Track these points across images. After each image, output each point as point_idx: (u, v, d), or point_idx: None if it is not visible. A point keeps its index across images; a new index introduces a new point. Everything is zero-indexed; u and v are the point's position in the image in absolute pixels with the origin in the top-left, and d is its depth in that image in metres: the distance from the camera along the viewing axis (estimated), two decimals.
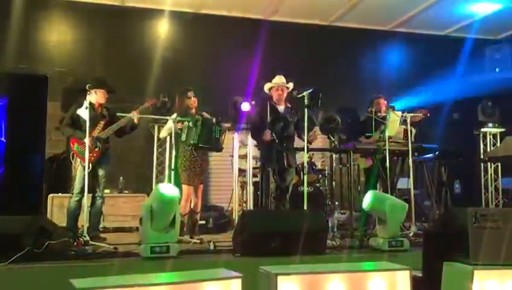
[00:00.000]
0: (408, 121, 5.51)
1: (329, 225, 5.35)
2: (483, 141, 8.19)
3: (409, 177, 5.55)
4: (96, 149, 5.08)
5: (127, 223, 6.49)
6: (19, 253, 3.53)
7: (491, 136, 8.17)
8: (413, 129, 5.64)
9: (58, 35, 7.43)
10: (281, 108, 5.73)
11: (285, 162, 5.58)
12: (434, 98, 7.71)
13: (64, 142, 5.92)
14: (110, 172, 5.54)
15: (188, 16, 7.95)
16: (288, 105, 5.80)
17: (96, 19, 7.58)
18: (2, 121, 5.81)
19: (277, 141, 5.42)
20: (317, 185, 6.87)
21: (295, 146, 5.79)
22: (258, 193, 6.05)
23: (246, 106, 6.61)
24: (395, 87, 8.26)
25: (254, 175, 6.70)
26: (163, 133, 5.67)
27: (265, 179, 5.54)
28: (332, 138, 6.34)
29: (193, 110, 5.47)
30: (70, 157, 5.14)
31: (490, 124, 8.00)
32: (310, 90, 5.13)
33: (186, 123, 5.19)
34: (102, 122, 5.20)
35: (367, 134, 5.85)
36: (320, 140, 7.80)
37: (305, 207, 5.08)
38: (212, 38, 7.99)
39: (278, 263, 3.20)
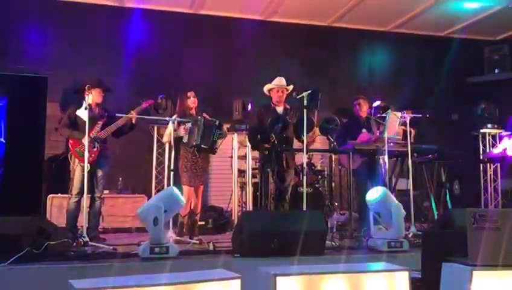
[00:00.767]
0: (408, 121, 5.53)
1: (329, 225, 5.34)
2: (482, 142, 8.21)
3: (408, 178, 5.55)
4: (94, 149, 5.08)
5: (127, 223, 6.48)
6: (18, 254, 3.53)
7: (490, 137, 8.18)
8: (412, 130, 5.65)
9: (56, 36, 7.42)
10: (280, 109, 5.75)
11: (284, 163, 5.60)
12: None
13: (64, 142, 5.92)
14: (109, 173, 5.54)
15: (187, 16, 7.95)
16: (287, 106, 5.81)
17: (95, 19, 7.57)
18: (2, 121, 5.82)
19: (276, 142, 5.43)
20: (317, 185, 6.88)
21: (294, 147, 5.80)
22: (258, 193, 6.06)
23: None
24: (391, 88, 8.27)
25: (253, 176, 6.71)
26: (165, 138, 5.66)
27: (264, 180, 5.54)
28: (331, 138, 6.34)
29: (193, 111, 5.48)
30: (69, 158, 5.14)
31: (489, 125, 8.02)
32: (309, 91, 5.14)
33: (187, 125, 5.21)
34: (100, 123, 5.20)
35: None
36: (320, 141, 7.81)
37: (305, 208, 5.08)
38: (212, 39, 7.99)
39: (277, 263, 3.21)
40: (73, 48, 7.38)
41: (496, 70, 8.73)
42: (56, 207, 6.23)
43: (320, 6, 7.94)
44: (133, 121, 5.30)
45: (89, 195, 5.03)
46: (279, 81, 5.77)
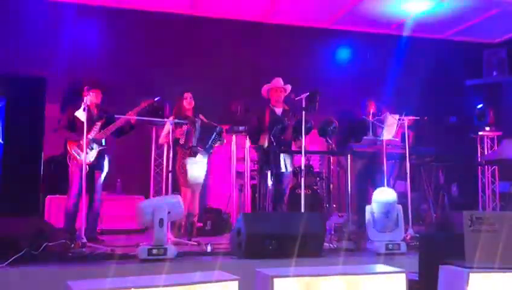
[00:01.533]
0: (405, 124, 5.54)
1: (327, 227, 5.35)
2: (480, 145, 8.22)
3: (406, 180, 5.56)
4: (93, 151, 5.09)
5: (125, 225, 6.48)
6: (17, 255, 3.53)
7: (489, 140, 8.20)
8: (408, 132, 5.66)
9: (56, 37, 7.43)
10: (279, 110, 5.76)
11: (282, 164, 5.61)
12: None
13: (63, 143, 5.92)
14: (108, 174, 5.54)
15: (185, 17, 7.96)
16: (286, 107, 5.82)
17: (94, 20, 7.58)
18: (0, 122, 5.82)
19: (274, 143, 5.44)
20: (315, 187, 6.88)
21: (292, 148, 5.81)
22: (256, 195, 6.06)
23: None
24: (389, 91, 8.28)
25: (252, 178, 6.71)
26: (162, 140, 5.66)
27: (262, 182, 5.55)
28: (329, 140, 6.35)
29: (189, 112, 5.49)
30: (67, 159, 5.14)
31: (487, 128, 8.03)
32: (307, 93, 5.16)
33: (184, 127, 5.22)
34: (98, 124, 5.20)
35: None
36: (318, 143, 7.82)
37: (303, 210, 5.09)
38: (209, 40, 8.00)
39: (275, 265, 3.21)
40: (73, 48, 7.39)
41: (494, 73, 8.74)
42: (54, 208, 6.24)
43: (318, 8, 7.97)
44: (132, 122, 5.30)
45: (88, 196, 5.03)
46: (277, 82, 5.79)
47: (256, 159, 6.09)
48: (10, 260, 3.48)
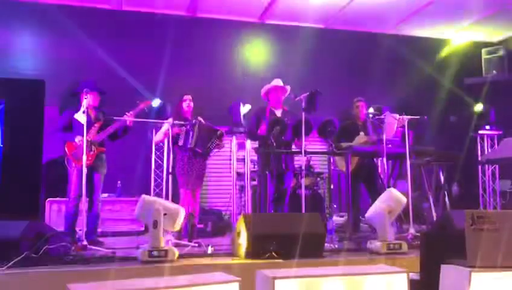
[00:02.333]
0: (406, 123, 5.54)
1: (328, 227, 5.35)
2: (480, 144, 8.22)
3: (406, 180, 5.56)
4: (91, 153, 5.08)
5: (125, 227, 6.48)
6: (17, 258, 3.52)
7: (489, 139, 8.19)
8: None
9: (54, 39, 7.43)
10: (279, 112, 5.76)
11: (283, 165, 5.60)
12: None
13: (62, 146, 5.93)
14: (108, 176, 5.54)
15: (184, 18, 7.97)
16: (286, 108, 5.82)
17: (92, 22, 7.58)
18: (0, 125, 5.81)
19: (275, 144, 5.43)
20: (315, 188, 6.88)
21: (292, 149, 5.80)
22: (257, 196, 6.06)
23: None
24: (389, 90, 8.28)
25: (252, 179, 6.70)
26: (159, 136, 5.67)
27: (263, 183, 5.54)
28: (330, 141, 6.35)
29: (188, 114, 5.50)
30: (66, 162, 5.14)
31: (487, 127, 8.03)
32: (307, 94, 5.16)
33: (183, 129, 5.23)
34: (96, 126, 5.20)
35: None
36: (319, 143, 7.82)
37: (304, 210, 5.08)
38: (207, 41, 8.00)
39: (276, 266, 3.20)
40: (72, 51, 7.39)
41: (494, 72, 8.74)
42: (55, 211, 6.24)
43: (317, 8, 7.97)
44: (128, 123, 5.29)
45: (87, 198, 5.02)
46: (276, 82, 5.79)
47: (257, 160, 6.09)
48: (10, 263, 3.47)
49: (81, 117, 4.75)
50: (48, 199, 6.33)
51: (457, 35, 9.02)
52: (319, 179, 7.17)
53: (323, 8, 7.95)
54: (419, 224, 6.15)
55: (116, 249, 4.53)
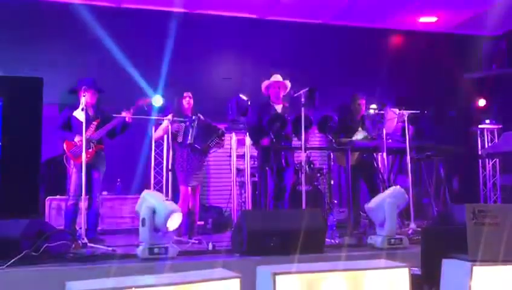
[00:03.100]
0: (406, 118, 5.53)
1: (328, 223, 5.34)
2: (480, 138, 8.21)
3: (407, 175, 5.55)
4: (90, 150, 5.08)
5: (125, 225, 6.47)
6: (17, 256, 3.51)
7: (489, 133, 8.18)
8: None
9: (51, 37, 7.41)
10: (279, 107, 5.75)
11: (283, 161, 5.59)
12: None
13: (61, 144, 5.92)
14: (108, 174, 5.53)
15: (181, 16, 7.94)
16: (286, 104, 5.81)
17: (92, 19, 7.55)
18: None
19: (275, 140, 5.42)
20: (315, 183, 6.87)
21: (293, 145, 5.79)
22: (257, 192, 6.05)
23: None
24: (389, 85, 8.27)
25: (252, 175, 6.69)
26: (159, 133, 5.67)
27: (263, 179, 5.54)
28: (329, 136, 6.34)
29: (188, 111, 5.50)
30: (64, 160, 5.14)
31: (487, 121, 8.02)
32: (306, 89, 5.14)
33: (182, 125, 5.22)
34: (94, 124, 5.20)
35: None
36: (318, 138, 7.81)
37: (304, 206, 5.08)
38: (207, 37, 7.98)
39: (277, 262, 3.20)
40: (70, 49, 7.37)
41: (494, 66, 8.72)
42: (54, 209, 6.23)
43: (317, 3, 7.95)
44: (127, 119, 5.28)
45: (87, 196, 5.02)
46: (276, 78, 5.78)
47: (257, 156, 6.08)
48: (10, 261, 3.46)
49: (79, 115, 4.74)
50: (48, 197, 6.32)
51: (457, 29, 8.99)
52: (319, 174, 7.16)
53: (321, 3, 7.93)
54: (420, 219, 6.14)
55: (116, 246, 4.52)
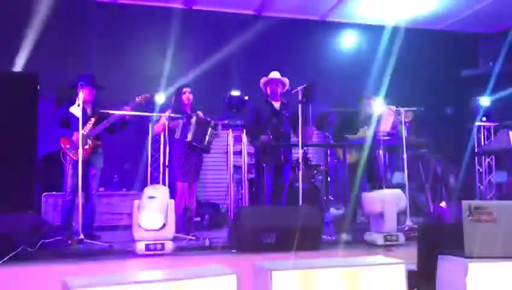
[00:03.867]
0: (402, 115, 5.53)
1: (325, 220, 5.36)
2: (477, 135, 8.22)
3: (403, 172, 5.56)
4: (86, 147, 5.06)
5: (122, 221, 6.46)
6: (13, 252, 3.51)
7: (485, 130, 8.20)
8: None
9: (51, 32, 7.37)
10: (277, 104, 5.74)
11: (282, 158, 5.59)
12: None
13: (58, 140, 5.89)
14: (105, 170, 5.52)
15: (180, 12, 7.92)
16: (284, 101, 5.80)
17: (89, 16, 7.53)
18: None
19: (272, 137, 5.42)
20: (312, 180, 6.87)
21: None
22: (254, 189, 6.05)
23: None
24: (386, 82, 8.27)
25: (249, 172, 6.69)
26: (157, 129, 5.65)
27: (260, 176, 5.53)
28: (327, 133, 6.34)
29: (187, 107, 5.47)
30: (61, 156, 5.13)
31: (484, 118, 8.03)
32: (303, 86, 5.14)
33: (180, 121, 5.21)
34: (92, 120, 5.19)
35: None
36: (315, 135, 7.79)
37: (301, 203, 5.08)
38: (205, 34, 7.96)
39: (274, 258, 3.20)
40: (67, 44, 7.34)
41: (490, 63, 8.73)
42: (51, 205, 6.21)
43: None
44: (127, 117, 5.27)
45: (84, 192, 5.01)
46: (274, 74, 5.78)
47: (254, 153, 6.07)
48: (6, 257, 3.46)
49: (76, 110, 4.73)
50: (44, 193, 6.30)
51: (454, 26, 8.99)
52: (316, 171, 7.16)
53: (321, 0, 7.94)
54: (416, 216, 6.16)
55: (113, 242, 4.52)
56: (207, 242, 4.46)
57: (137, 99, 5.30)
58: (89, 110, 5.22)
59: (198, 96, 5.77)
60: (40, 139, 5.81)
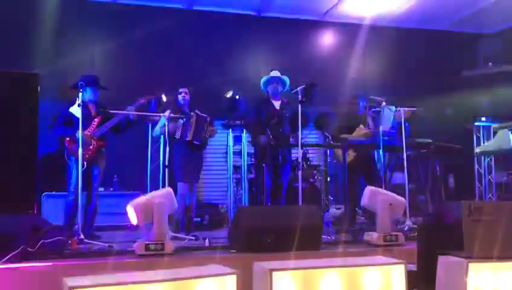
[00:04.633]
0: (402, 115, 5.53)
1: (325, 220, 5.36)
2: (476, 135, 8.23)
3: (403, 172, 5.56)
4: (91, 147, 5.07)
5: (122, 221, 6.44)
6: (13, 252, 3.51)
7: (485, 131, 8.21)
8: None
9: (50, 33, 7.38)
10: (277, 104, 5.75)
11: (280, 158, 5.60)
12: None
13: (58, 140, 5.88)
14: (105, 170, 5.52)
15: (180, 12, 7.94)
16: (284, 100, 5.81)
17: (89, 16, 7.54)
18: None
19: (271, 136, 5.43)
20: (312, 180, 6.88)
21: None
22: (253, 189, 6.05)
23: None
24: (386, 82, 8.27)
25: (249, 171, 6.69)
26: (159, 131, 5.66)
27: (260, 176, 5.54)
28: (326, 133, 6.35)
29: (185, 107, 5.50)
30: (65, 156, 5.13)
31: (483, 119, 8.04)
32: (303, 86, 5.14)
33: (180, 121, 5.23)
34: (96, 120, 5.20)
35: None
36: (315, 135, 7.80)
37: (300, 203, 5.08)
38: (205, 34, 7.97)
39: (273, 258, 3.20)
40: (68, 44, 7.35)
41: (490, 64, 8.74)
42: (51, 205, 6.21)
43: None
44: (131, 117, 5.28)
45: (86, 192, 5.02)
46: (274, 74, 5.78)
47: (253, 152, 6.08)
48: (6, 257, 3.46)
49: (76, 111, 4.73)
50: (44, 193, 6.30)
51: (454, 27, 9.00)
52: (315, 171, 7.17)
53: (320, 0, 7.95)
54: (416, 216, 6.16)
55: (113, 242, 4.52)
56: (207, 242, 4.46)
57: (140, 100, 5.32)
58: (92, 111, 5.22)
59: (198, 97, 5.77)
60: (40, 139, 5.82)
